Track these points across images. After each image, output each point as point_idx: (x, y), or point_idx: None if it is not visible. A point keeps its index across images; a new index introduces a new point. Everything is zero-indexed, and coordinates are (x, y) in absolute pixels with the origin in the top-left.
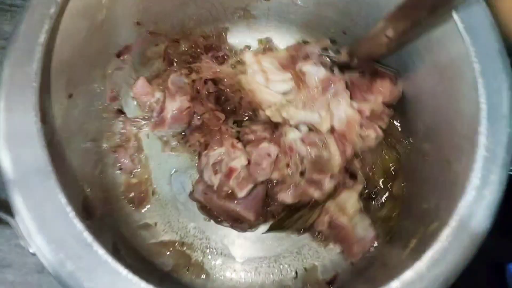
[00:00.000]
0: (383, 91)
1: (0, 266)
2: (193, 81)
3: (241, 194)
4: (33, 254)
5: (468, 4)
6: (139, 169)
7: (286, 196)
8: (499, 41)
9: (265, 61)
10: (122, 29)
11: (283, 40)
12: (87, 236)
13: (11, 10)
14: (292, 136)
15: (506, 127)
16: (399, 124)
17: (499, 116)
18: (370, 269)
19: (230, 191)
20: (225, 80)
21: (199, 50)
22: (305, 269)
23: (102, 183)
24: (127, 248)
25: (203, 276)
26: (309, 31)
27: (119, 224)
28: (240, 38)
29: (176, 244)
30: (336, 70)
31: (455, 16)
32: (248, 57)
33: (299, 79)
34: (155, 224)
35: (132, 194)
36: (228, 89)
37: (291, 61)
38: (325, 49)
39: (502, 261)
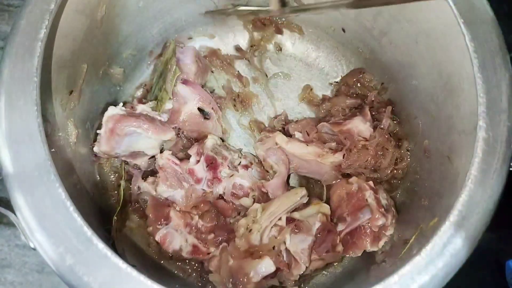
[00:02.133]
0: None
1: (0, 266)
2: None
3: None
4: (33, 249)
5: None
6: None
7: None
8: (499, 37)
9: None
10: (122, 26)
11: (284, 38)
12: (87, 231)
13: (8, 10)
14: None
15: (506, 121)
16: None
17: (499, 111)
18: (370, 267)
19: None
20: None
21: None
22: None
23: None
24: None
25: None
26: (309, 28)
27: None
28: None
29: None
30: None
31: (455, 11)
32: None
33: None
34: None
35: None
36: None
37: None
38: None
39: (502, 258)
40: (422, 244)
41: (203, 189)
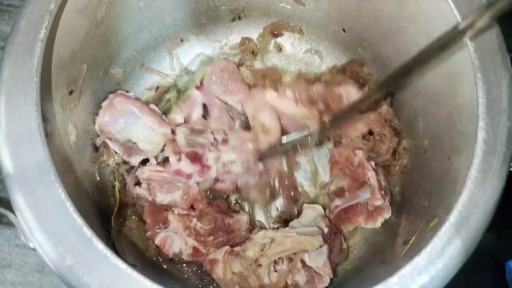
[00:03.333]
0: None
1: (1, 266)
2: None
3: None
4: (33, 249)
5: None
6: None
7: None
8: (499, 37)
9: None
10: (122, 26)
11: (284, 38)
12: (87, 231)
13: (8, 10)
14: None
15: (506, 122)
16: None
17: (499, 111)
18: (370, 266)
19: None
20: None
21: None
22: None
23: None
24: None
25: None
26: (309, 28)
27: None
28: (241, 33)
29: None
30: None
31: (455, 11)
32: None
33: None
34: None
35: None
36: None
37: None
38: None
39: (502, 258)
40: (422, 244)
41: (197, 182)
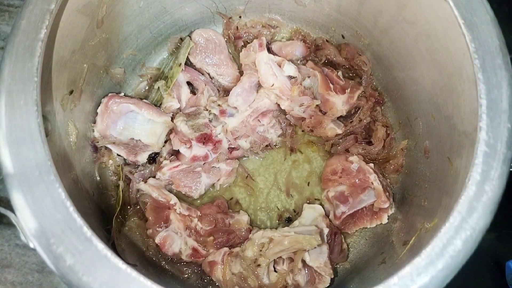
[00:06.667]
0: None
1: (1, 266)
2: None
3: None
4: (33, 249)
5: (468, 0)
6: None
7: None
8: (500, 38)
9: None
10: (123, 26)
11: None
12: (87, 231)
13: (8, 10)
14: None
15: (506, 123)
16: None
17: (499, 111)
18: (370, 266)
19: None
20: None
21: None
22: None
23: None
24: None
25: None
26: (309, 28)
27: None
28: None
29: None
30: None
31: (455, 11)
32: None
33: None
34: None
35: None
36: None
37: None
38: None
39: (502, 258)
40: (422, 245)
41: (213, 157)
